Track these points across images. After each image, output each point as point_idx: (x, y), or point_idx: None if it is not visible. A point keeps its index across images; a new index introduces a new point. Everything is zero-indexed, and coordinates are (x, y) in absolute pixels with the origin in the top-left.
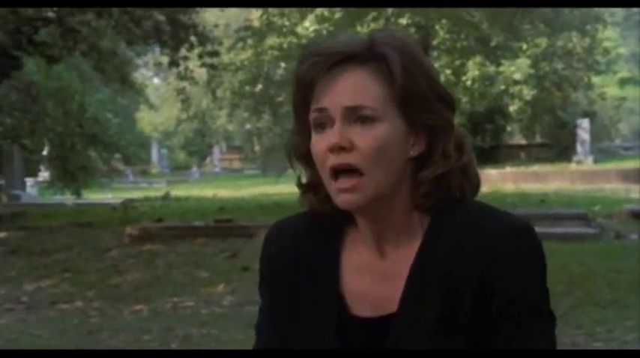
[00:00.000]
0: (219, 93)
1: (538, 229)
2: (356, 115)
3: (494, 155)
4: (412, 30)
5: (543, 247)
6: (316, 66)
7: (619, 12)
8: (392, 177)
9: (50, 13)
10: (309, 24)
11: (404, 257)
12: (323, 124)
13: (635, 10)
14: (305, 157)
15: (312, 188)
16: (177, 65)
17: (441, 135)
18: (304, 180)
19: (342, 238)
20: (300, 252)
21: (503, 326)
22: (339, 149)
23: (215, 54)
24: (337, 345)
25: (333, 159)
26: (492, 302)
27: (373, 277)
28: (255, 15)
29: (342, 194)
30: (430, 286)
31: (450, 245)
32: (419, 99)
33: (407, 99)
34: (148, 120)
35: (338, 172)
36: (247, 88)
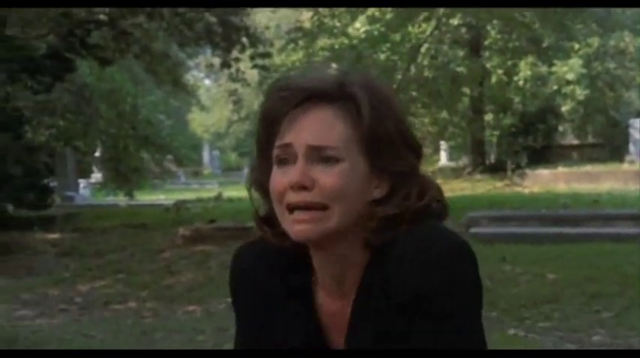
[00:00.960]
0: None
1: (591, 230)
2: (319, 155)
3: (546, 155)
4: (463, 30)
5: (472, 264)
6: (283, 101)
7: None
8: (350, 216)
9: (102, 16)
10: (360, 25)
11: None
12: (285, 160)
13: None
14: (265, 191)
15: (268, 222)
16: (229, 67)
17: (405, 181)
18: (261, 213)
19: (307, 275)
20: (270, 276)
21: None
22: (299, 187)
23: (266, 55)
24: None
25: (293, 197)
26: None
27: (337, 318)
28: (306, 16)
29: (298, 225)
30: (371, 307)
31: (388, 270)
32: (385, 142)
33: (373, 142)
34: (199, 121)
35: (294, 208)
36: None
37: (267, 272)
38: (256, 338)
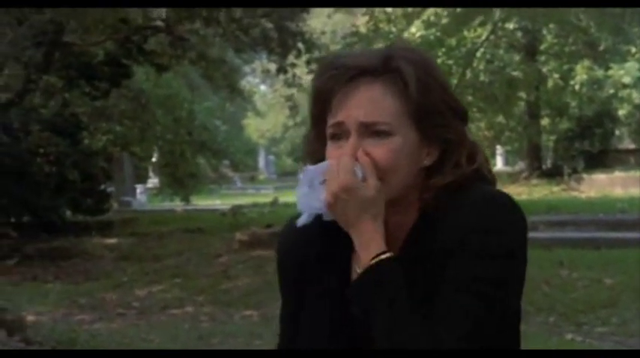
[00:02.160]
0: None
1: None
2: (371, 130)
3: (603, 159)
4: (519, 34)
5: (517, 211)
6: (333, 79)
7: None
8: (404, 184)
9: (159, 22)
10: (415, 29)
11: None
12: (339, 136)
13: None
14: (318, 162)
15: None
16: (285, 72)
17: (454, 147)
18: None
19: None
20: (309, 252)
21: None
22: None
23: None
24: (345, 345)
25: None
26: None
27: None
28: (361, 21)
29: None
30: (415, 269)
31: (433, 231)
32: (433, 113)
33: (421, 113)
34: (255, 127)
35: None
36: None
37: (307, 249)
38: (294, 316)
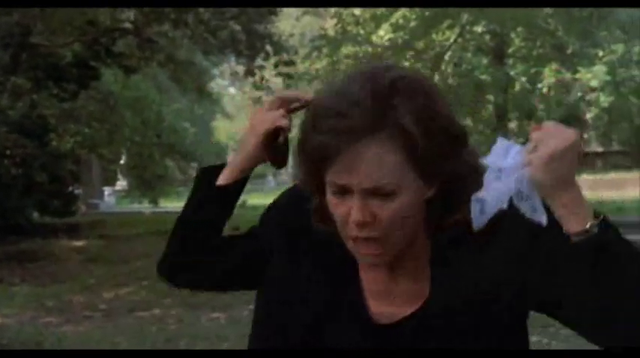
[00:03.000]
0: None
1: None
2: (376, 192)
3: None
4: (487, 38)
5: None
6: (328, 143)
7: None
8: (411, 229)
9: (127, 24)
10: (383, 32)
11: (412, 276)
12: (342, 192)
13: None
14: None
15: (318, 212)
16: (253, 74)
17: (458, 180)
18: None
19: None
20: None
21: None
22: (362, 224)
23: (291, 63)
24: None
25: (356, 231)
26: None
27: (387, 297)
28: (329, 24)
29: (364, 257)
30: (455, 300)
31: (464, 257)
32: (437, 154)
33: (426, 159)
34: (224, 129)
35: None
36: None
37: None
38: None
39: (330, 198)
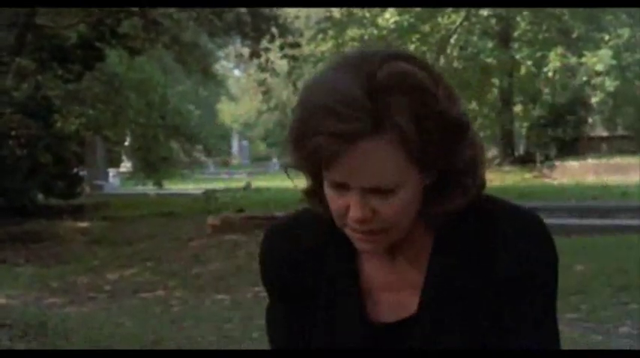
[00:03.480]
0: (299, 84)
1: (619, 221)
2: (376, 191)
3: (576, 147)
4: (493, 21)
5: (551, 235)
6: (323, 146)
7: None
8: (410, 219)
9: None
10: (389, 15)
11: (414, 267)
12: (341, 188)
13: None
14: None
15: (315, 196)
16: (259, 57)
17: (455, 171)
18: (306, 187)
19: (354, 249)
20: (308, 258)
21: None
22: (362, 221)
23: (296, 45)
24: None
25: (355, 225)
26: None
27: (387, 287)
28: None
29: (363, 243)
30: (448, 291)
31: (463, 249)
32: (435, 149)
33: (424, 153)
34: (228, 111)
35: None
36: None
37: (304, 253)
38: (299, 327)
39: (328, 191)
